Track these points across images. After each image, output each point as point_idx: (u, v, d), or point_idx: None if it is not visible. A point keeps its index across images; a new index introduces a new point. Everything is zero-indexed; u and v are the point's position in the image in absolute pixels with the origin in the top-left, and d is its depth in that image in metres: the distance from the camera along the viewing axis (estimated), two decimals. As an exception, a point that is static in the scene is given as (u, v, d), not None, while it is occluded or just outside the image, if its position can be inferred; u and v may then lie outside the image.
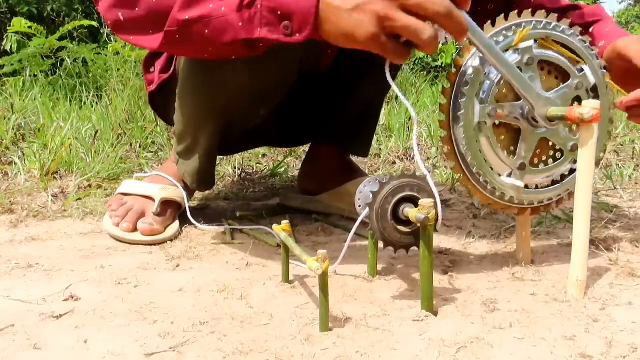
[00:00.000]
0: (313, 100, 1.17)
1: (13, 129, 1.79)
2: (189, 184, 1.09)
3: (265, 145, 1.39)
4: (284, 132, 1.25)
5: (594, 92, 0.80)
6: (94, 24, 3.12)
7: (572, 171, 0.81)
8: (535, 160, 0.80)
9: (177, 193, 1.07)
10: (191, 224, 1.06)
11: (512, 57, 0.75)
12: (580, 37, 0.79)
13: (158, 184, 1.07)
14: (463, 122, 0.74)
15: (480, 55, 0.73)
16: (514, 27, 0.75)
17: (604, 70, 0.81)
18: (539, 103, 0.75)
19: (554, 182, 0.81)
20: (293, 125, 1.23)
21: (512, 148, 0.78)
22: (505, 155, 0.77)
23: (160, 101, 1.14)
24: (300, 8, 0.66)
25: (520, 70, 0.75)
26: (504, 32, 0.75)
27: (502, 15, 0.76)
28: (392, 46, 0.64)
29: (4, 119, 1.88)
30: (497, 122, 0.76)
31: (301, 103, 1.17)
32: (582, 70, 0.79)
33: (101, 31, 3.20)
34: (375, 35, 0.63)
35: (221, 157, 1.65)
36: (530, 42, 0.76)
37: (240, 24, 0.69)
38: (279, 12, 0.67)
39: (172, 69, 1.06)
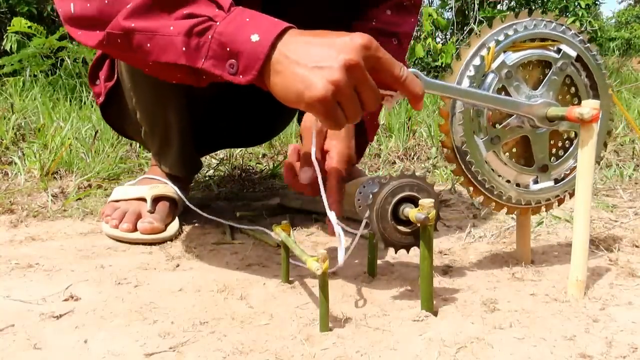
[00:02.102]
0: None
1: (13, 129, 1.79)
2: (176, 172, 1.09)
3: (236, 146, 1.41)
4: (250, 130, 1.25)
5: (579, 61, 0.80)
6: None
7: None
8: (554, 151, 0.81)
9: (168, 189, 1.07)
10: (191, 224, 1.06)
11: (491, 79, 0.75)
12: (543, 20, 0.78)
13: (147, 184, 1.08)
14: (473, 159, 0.76)
15: (462, 99, 0.74)
16: (479, 54, 0.75)
17: (582, 37, 0.80)
18: (534, 110, 0.75)
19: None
20: (257, 121, 1.23)
21: (528, 155, 0.79)
22: (524, 166, 0.79)
23: (113, 112, 1.13)
24: (249, 50, 0.62)
25: (504, 87, 0.75)
26: (473, 61, 0.75)
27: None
28: (338, 114, 0.62)
29: (4, 119, 1.88)
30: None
31: (258, 98, 1.17)
32: (559, 50, 0.78)
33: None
34: (326, 99, 0.60)
35: (221, 158, 1.65)
36: (501, 56, 0.75)
37: (184, 49, 0.65)
38: (227, 49, 0.63)
39: (115, 75, 1.05)
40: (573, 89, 0.80)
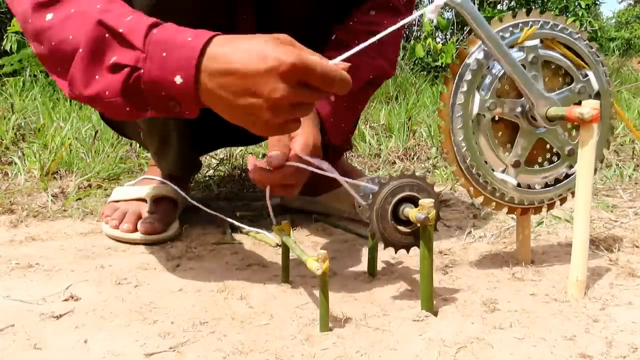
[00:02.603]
0: None
1: (13, 129, 1.79)
2: (175, 172, 1.09)
3: (239, 144, 1.40)
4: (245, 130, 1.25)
5: (597, 98, 0.80)
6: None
7: (567, 176, 0.81)
8: (531, 161, 0.80)
9: (167, 189, 1.07)
10: (191, 224, 1.06)
11: (517, 55, 0.75)
12: (586, 41, 0.79)
13: (147, 185, 1.08)
14: (462, 112, 0.75)
15: (485, 49, 0.73)
16: (520, 25, 0.76)
17: (608, 76, 0.81)
18: (539, 101, 0.75)
19: (547, 185, 0.81)
20: None
21: (509, 146, 0.78)
22: (501, 152, 0.78)
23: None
24: (180, 93, 0.62)
25: (524, 68, 0.75)
26: (511, 28, 0.76)
27: (510, 12, 0.77)
28: (285, 130, 0.63)
29: (4, 119, 1.88)
30: (496, 118, 0.76)
31: None
32: (586, 75, 0.79)
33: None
34: (269, 133, 0.63)
35: (221, 158, 1.65)
36: (536, 41, 0.76)
37: (128, 109, 0.66)
38: (162, 93, 0.63)
39: None
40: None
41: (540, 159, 0.80)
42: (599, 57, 0.80)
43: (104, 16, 0.66)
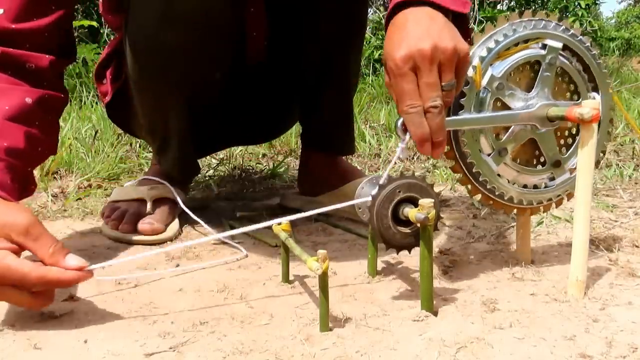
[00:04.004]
0: (271, 93, 1.18)
1: (13, 129, 1.79)
2: (174, 175, 1.09)
3: (239, 144, 1.40)
4: (253, 128, 1.25)
5: (566, 49, 0.79)
6: (94, 24, 3.12)
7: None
8: (562, 142, 0.80)
9: (167, 190, 1.07)
10: (191, 224, 1.06)
11: (485, 96, 0.74)
12: (522, 21, 0.77)
13: (147, 185, 1.08)
14: (487, 179, 0.77)
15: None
16: (467, 77, 0.73)
17: (564, 25, 0.79)
18: (533, 116, 0.75)
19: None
20: (260, 120, 1.24)
21: (538, 154, 0.79)
22: (539, 166, 0.79)
23: (119, 111, 1.13)
24: None
25: (499, 99, 0.75)
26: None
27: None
28: None
29: (4, 119, 1.88)
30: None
31: (260, 97, 1.17)
32: (544, 45, 0.77)
33: (101, 31, 3.20)
34: None
35: (221, 158, 1.65)
36: (489, 71, 0.75)
37: None
38: None
39: (123, 75, 1.05)
40: (567, 77, 0.79)
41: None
42: (541, 20, 0.78)
43: None
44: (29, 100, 0.79)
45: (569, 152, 0.81)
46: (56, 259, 0.65)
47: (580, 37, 0.79)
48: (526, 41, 0.77)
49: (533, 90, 0.76)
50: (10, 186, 0.74)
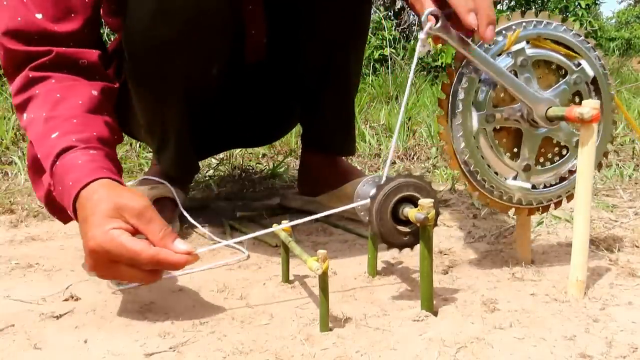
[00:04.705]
0: (271, 93, 1.17)
1: (13, 129, 1.79)
2: (173, 174, 1.09)
3: (239, 146, 1.40)
4: (253, 130, 1.25)
5: (594, 84, 0.80)
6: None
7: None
8: (541, 159, 0.80)
9: (167, 190, 1.07)
10: (191, 223, 1.06)
11: (506, 61, 0.75)
12: (573, 31, 0.78)
13: (147, 185, 1.08)
14: (462, 131, 0.75)
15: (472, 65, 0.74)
16: (503, 32, 0.75)
17: (602, 61, 0.80)
18: (537, 104, 0.75)
19: (562, 179, 0.81)
20: (260, 122, 1.24)
21: (515, 150, 0.78)
22: (508, 159, 0.78)
23: (119, 112, 1.12)
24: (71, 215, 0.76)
25: (516, 73, 0.75)
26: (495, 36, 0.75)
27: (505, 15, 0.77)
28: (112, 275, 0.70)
29: (4, 119, 1.88)
30: (497, 127, 0.76)
31: (259, 98, 1.17)
32: (579, 64, 0.78)
33: (101, 31, 3.20)
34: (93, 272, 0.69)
35: (221, 158, 1.65)
36: (523, 44, 0.76)
37: (55, 214, 0.84)
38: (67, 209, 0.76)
39: (123, 75, 1.04)
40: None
41: (550, 156, 0.80)
42: (588, 43, 0.79)
43: (34, 134, 0.79)
44: (94, 92, 0.83)
45: (543, 168, 0.80)
46: (165, 242, 0.68)
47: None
48: (568, 48, 0.78)
49: (547, 91, 0.77)
50: (115, 171, 0.77)
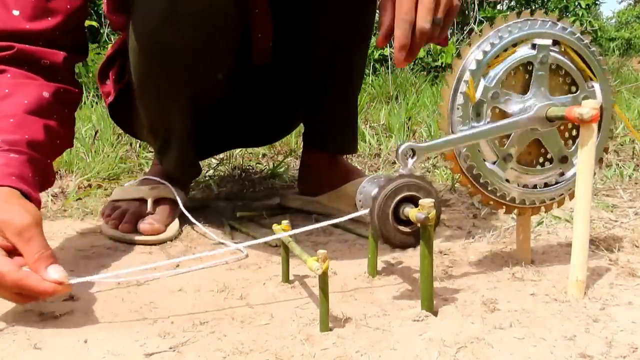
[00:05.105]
0: (276, 95, 1.18)
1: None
2: (175, 175, 1.09)
3: (241, 146, 1.40)
4: (256, 130, 1.25)
5: (556, 44, 0.78)
6: (94, 24, 3.12)
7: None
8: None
9: (167, 191, 1.07)
10: (191, 224, 1.06)
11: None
12: (508, 26, 0.76)
13: (147, 185, 1.08)
14: (496, 187, 0.77)
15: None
16: (460, 92, 0.75)
17: (550, 20, 0.78)
18: (536, 117, 0.75)
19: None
20: (263, 123, 1.24)
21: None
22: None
23: (122, 112, 1.13)
24: None
25: (498, 108, 0.75)
26: (457, 100, 0.75)
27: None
28: None
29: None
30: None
31: (264, 100, 1.17)
32: (534, 45, 0.77)
33: (101, 31, 3.20)
34: None
35: (221, 158, 1.65)
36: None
37: None
38: None
39: (127, 75, 1.05)
40: (562, 71, 0.79)
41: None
42: (527, 21, 0.77)
43: None
44: (46, 94, 0.82)
45: (575, 145, 0.80)
46: (37, 267, 0.64)
47: (570, 28, 0.78)
48: (514, 45, 0.76)
49: (529, 91, 0.76)
50: (31, 179, 0.75)
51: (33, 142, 0.78)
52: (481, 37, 0.76)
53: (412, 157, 0.71)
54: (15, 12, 0.82)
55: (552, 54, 0.76)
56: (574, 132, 0.80)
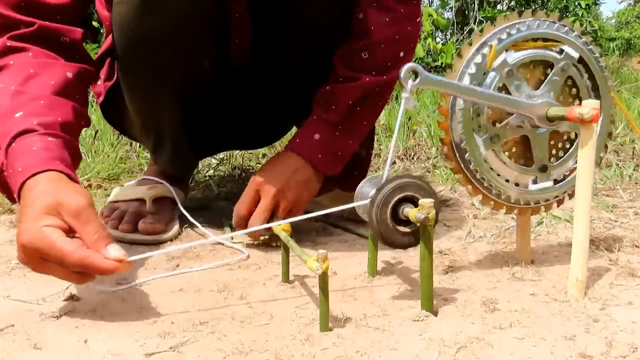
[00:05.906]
0: (266, 95, 1.17)
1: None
2: (170, 172, 1.09)
3: (238, 148, 1.40)
4: (250, 132, 1.25)
5: (581, 62, 0.79)
6: (94, 24, 3.13)
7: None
8: (554, 152, 0.80)
9: (166, 190, 1.07)
10: (191, 224, 1.06)
11: (492, 77, 0.75)
12: (546, 20, 0.78)
13: (146, 185, 1.08)
14: (472, 158, 0.76)
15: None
16: (481, 52, 0.75)
17: (584, 38, 0.80)
18: (534, 109, 0.75)
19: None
20: (257, 124, 1.23)
21: (528, 155, 0.79)
22: (523, 166, 0.79)
23: (113, 111, 1.13)
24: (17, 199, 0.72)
25: (505, 87, 0.75)
26: (474, 58, 0.75)
27: (469, 43, 0.77)
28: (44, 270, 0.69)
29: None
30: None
31: (256, 100, 1.17)
32: (562, 51, 0.78)
33: (101, 31, 3.21)
34: (23, 262, 0.69)
35: (221, 158, 1.65)
36: (503, 56, 0.75)
37: (4, 193, 0.78)
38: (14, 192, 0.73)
39: (115, 74, 1.05)
40: (574, 90, 0.80)
41: (561, 145, 0.81)
42: (565, 26, 0.78)
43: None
44: (69, 74, 0.82)
45: (558, 162, 0.81)
46: (98, 245, 0.65)
47: (591, 47, 0.80)
48: (546, 40, 0.77)
49: (540, 89, 0.77)
50: (69, 162, 0.75)
51: (65, 124, 0.77)
52: (521, 18, 0.77)
53: (414, 80, 0.69)
54: None
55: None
56: (560, 153, 0.81)
